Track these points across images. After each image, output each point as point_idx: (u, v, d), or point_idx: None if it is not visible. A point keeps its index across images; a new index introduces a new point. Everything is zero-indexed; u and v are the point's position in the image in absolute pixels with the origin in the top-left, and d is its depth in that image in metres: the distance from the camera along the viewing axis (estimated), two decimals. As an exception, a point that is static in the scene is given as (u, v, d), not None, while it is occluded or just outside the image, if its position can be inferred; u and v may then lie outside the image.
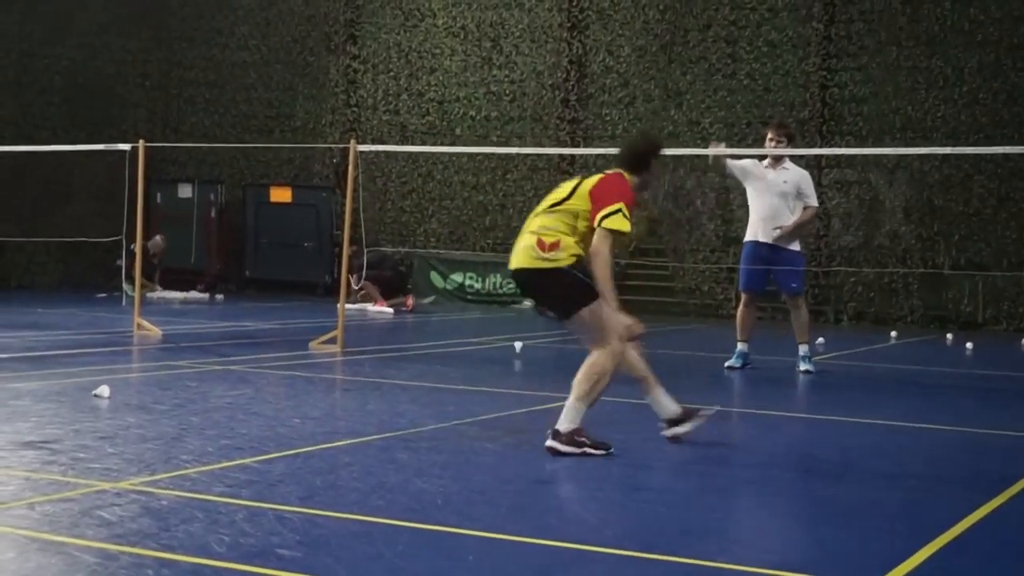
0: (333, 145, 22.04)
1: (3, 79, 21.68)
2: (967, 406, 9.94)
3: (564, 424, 6.77)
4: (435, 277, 21.56)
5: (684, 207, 20.27)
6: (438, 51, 22.36)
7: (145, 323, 13.31)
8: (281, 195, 22.52)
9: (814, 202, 11.55)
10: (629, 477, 6.28)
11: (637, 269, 20.72)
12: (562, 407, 6.85)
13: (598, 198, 6.88)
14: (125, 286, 17.20)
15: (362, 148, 13.72)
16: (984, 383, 11.81)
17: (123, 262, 16.51)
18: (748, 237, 11.62)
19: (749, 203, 11.58)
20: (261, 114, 23.82)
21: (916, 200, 18.83)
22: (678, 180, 20.26)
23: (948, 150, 16.41)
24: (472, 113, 22.02)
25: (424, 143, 21.86)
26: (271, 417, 7.76)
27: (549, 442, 6.75)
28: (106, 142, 16.17)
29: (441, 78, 22.34)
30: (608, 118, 20.98)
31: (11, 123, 21.54)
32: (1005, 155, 17.21)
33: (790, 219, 11.36)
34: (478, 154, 21.32)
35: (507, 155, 21.15)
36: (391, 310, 18.52)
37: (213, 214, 22.75)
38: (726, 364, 11.62)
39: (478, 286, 21.25)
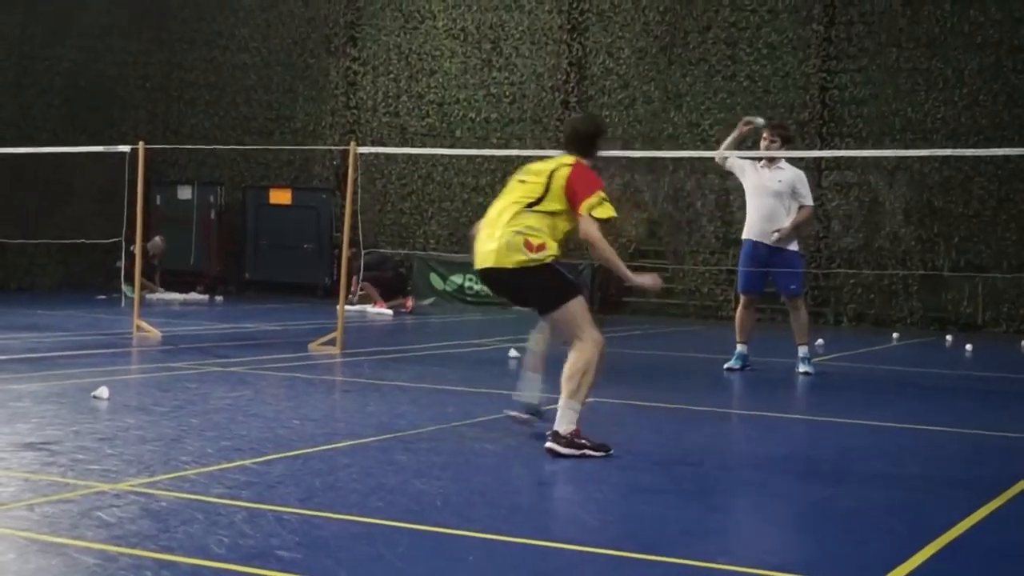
0: (333, 147, 22.05)
1: (3, 81, 21.68)
2: (967, 407, 9.94)
3: (563, 426, 6.76)
4: (435, 279, 21.56)
5: (684, 209, 20.28)
6: (438, 53, 22.36)
7: (145, 325, 13.30)
8: (281, 197, 22.52)
9: (809, 201, 11.53)
10: (629, 478, 6.28)
11: (637, 270, 20.70)
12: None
13: (575, 191, 6.85)
14: (125, 287, 17.21)
15: (362, 150, 13.74)
16: (984, 385, 11.81)
17: (123, 263, 16.52)
18: (745, 235, 11.61)
19: (748, 204, 11.58)
20: (261, 116, 23.83)
21: (916, 202, 18.83)
22: (678, 182, 20.27)
23: (948, 152, 16.41)
24: (472, 115, 22.02)
25: (424, 145, 21.86)
26: (271, 418, 7.76)
27: (549, 444, 6.75)
28: (106, 144, 16.18)
29: (441, 80, 22.35)
30: (608, 120, 20.97)
31: (11, 125, 21.55)
32: (1005, 157, 17.22)
33: (786, 219, 11.35)
34: (478, 156, 21.33)
35: (507, 157, 21.12)
36: (391, 312, 18.52)
37: (213, 216, 22.75)
38: (725, 366, 11.62)
39: (478, 288, 21.23)
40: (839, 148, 18.83)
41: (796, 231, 11.56)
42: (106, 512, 5.01)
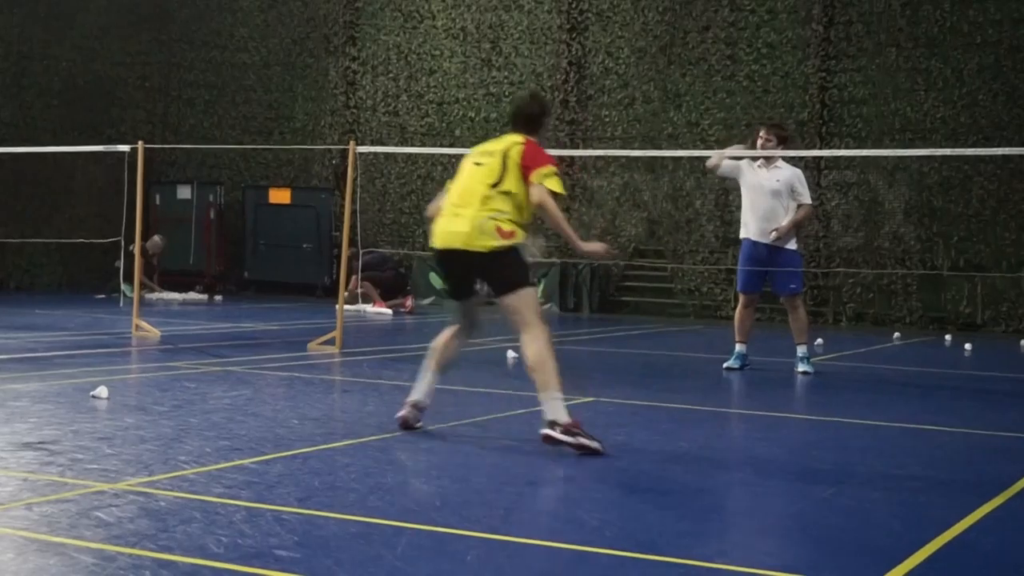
0: (332, 146, 22.06)
1: (2, 81, 21.67)
2: (966, 407, 9.94)
3: (560, 416, 6.83)
4: (434, 278, 21.51)
5: (683, 208, 20.27)
6: (437, 53, 22.37)
7: (144, 324, 13.31)
8: (280, 196, 22.52)
9: (807, 200, 11.54)
10: (628, 478, 6.27)
11: (636, 270, 20.73)
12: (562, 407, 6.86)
13: (527, 165, 7.06)
14: (124, 287, 17.21)
15: (361, 149, 13.73)
16: (983, 384, 11.80)
17: (122, 263, 16.52)
18: (743, 235, 11.61)
19: (744, 205, 11.57)
20: (260, 116, 23.83)
21: (915, 201, 18.83)
22: (677, 181, 20.27)
23: (947, 151, 16.41)
24: (471, 114, 22.02)
25: (423, 144, 21.86)
26: (269, 418, 7.76)
27: (546, 431, 6.80)
28: (105, 144, 16.19)
29: (440, 80, 22.35)
30: (607, 119, 20.99)
31: (10, 125, 21.55)
32: (1004, 156, 17.23)
33: (785, 218, 11.36)
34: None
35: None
36: (390, 311, 18.52)
37: (212, 215, 22.75)
38: (725, 365, 11.62)
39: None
40: (838, 148, 18.83)
41: (795, 230, 11.56)
42: (105, 512, 5.00)
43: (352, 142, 13.59)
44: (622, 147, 20.26)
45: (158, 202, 22.63)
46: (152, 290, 19.85)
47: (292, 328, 15.29)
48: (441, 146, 21.54)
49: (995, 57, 18.39)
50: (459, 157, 22.42)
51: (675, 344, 15.18)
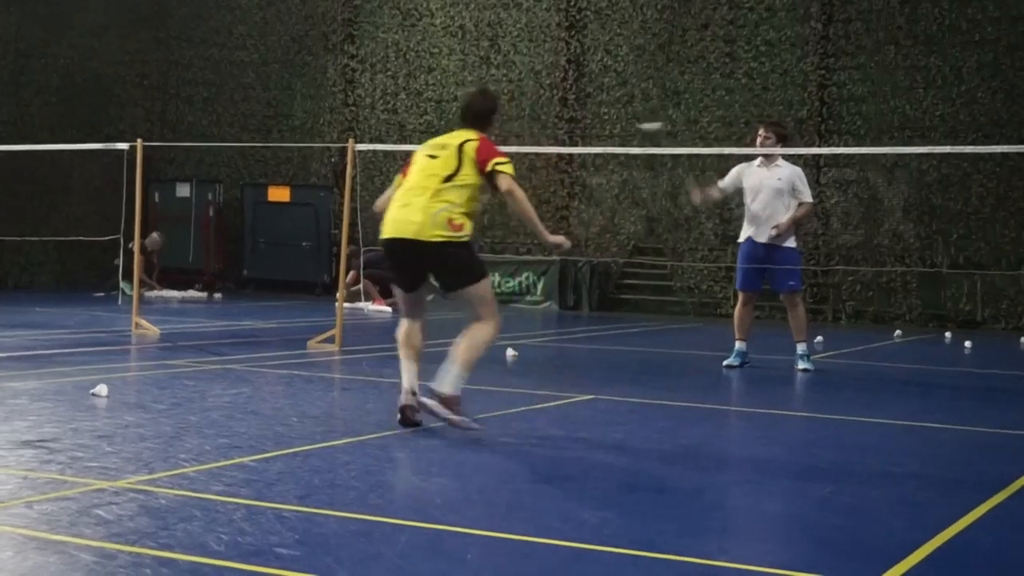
0: (331, 144, 22.06)
1: (1, 79, 21.66)
2: (966, 405, 9.94)
3: (448, 388, 6.95)
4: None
5: (682, 206, 20.27)
6: (436, 50, 22.36)
7: (143, 322, 13.31)
8: (279, 194, 22.52)
9: (808, 198, 11.54)
10: (627, 476, 6.27)
11: (636, 268, 20.74)
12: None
13: (484, 158, 7.23)
14: (123, 285, 17.21)
15: (360, 147, 13.72)
16: (983, 382, 11.81)
17: (121, 261, 16.51)
18: (743, 236, 11.60)
19: (746, 205, 11.54)
20: (259, 113, 23.83)
21: (915, 199, 18.84)
22: (677, 179, 20.26)
23: (946, 149, 16.41)
24: (470, 112, 21.98)
25: (422, 142, 21.77)
26: (269, 416, 7.76)
27: (427, 400, 6.93)
28: (104, 142, 16.19)
29: (439, 77, 22.34)
30: (606, 117, 20.99)
31: (9, 123, 21.54)
32: (1003, 154, 17.24)
33: (785, 216, 11.35)
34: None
35: (505, 154, 21.12)
36: (389, 309, 18.51)
37: (211, 213, 22.76)
38: (724, 363, 11.62)
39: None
40: (838, 145, 18.84)
41: (794, 227, 11.56)
42: (105, 509, 5.00)
43: (351, 140, 13.59)
44: (621, 145, 20.26)
45: (157, 200, 22.63)
46: (151, 288, 19.85)
47: (291, 326, 15.29)
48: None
49: (994, 55, 18.39)
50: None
51: (674, 342, 15.18)
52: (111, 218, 16.29)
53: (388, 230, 7.24)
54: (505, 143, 21.06)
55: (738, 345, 11.62)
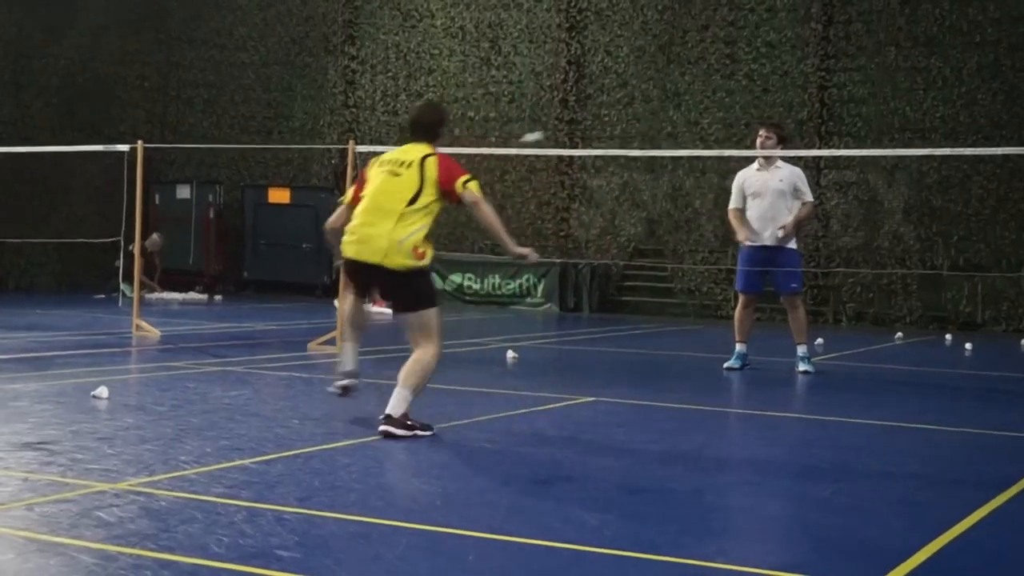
0: (332, 146, 22.06)
1: (1, 80, 21.67)
2: (966, 406, 9.94)
3: (396, 410, 7.04)
4: (434, 278, 21.54)
5: (683, 208, 20.28)
6: (436, 52, 22.37)
7: (144, 324, 13.31)
8: (280, 196, 22.53)
9: (810, 197, 11.54)
10: (628, 478, 6.27)
11: (636, 270, 20.74)
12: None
13: (449, 177, 7.31)
14: (124, 287, 17.21)
15: (361, 149, 13.72)
16: (983, 383, 11.81)
17: (121, 263, 16.51)
18: (745, 241, 11.58)
19: (748, 210, 11.49)
20: (259, 115, 23.83)
21: (915, 201, 18.84)
22: (677, 181, 20.27)
23: (947, 151, 16.42)
24: (471, 114, 22.02)
25: (423, 144, 21.81)
26: (270, 418, 7.76)
27: (383, 427, 7.00)
28: (104, 143, 16.17)
29: (439, 79, 22.35)
30: (607, 119, 20.99)
31: (9, 124, 21.54)
32: (1004, 156, 17.24)
33: (788, 217, 11.35)
34: (476, 155, 21.32)
35: (505, 156, 21.14)
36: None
37: (211, 215, 22.75)
38: (725, 365, 11.61)
39: (476, 287, 21.24)
40: (838, 147, 18.84)
41: (798, 228, 11.56)
42: (105, 512, 5.00)
43: (351, 141, 13.60)
44: (621, 146, 20.26)
45: (157, 202, 22.63)
46: (152, 290, 19.85)
47: (292, 328, 15.28)
48: (440, 145, 21.51)
49: (994, 56, 18.39)
50: (458, 156, 22.49)
51: (675, 344, 15.18)
52: (111, 220, 16.29)
53: (352, 251, 7.31)
54: (506, 144, 21.13)
55: (738, 347, 11.62)
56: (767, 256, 11.41)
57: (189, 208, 22.72)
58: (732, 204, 11.63)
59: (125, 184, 14.33)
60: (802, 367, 11.37)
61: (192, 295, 20.73)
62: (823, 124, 19.37)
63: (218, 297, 21.07)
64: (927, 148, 17.28)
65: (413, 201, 7.19)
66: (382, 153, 7.72)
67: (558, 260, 20.69)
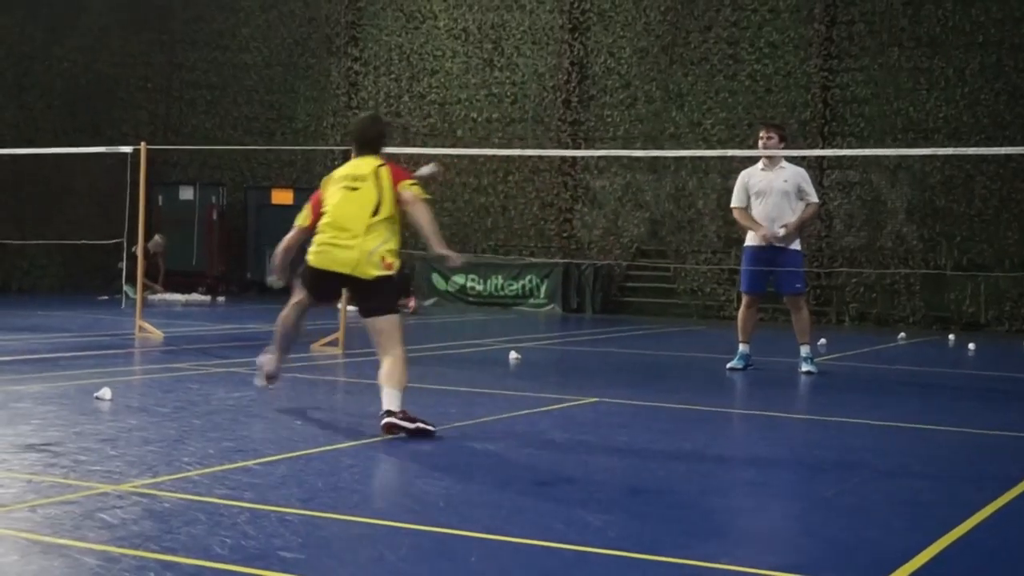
0: (335, 147, 22.07)
1: (4, 81, 21.69)
2: (969, 407, 9.93)
3: (394, 406, 7.14)
4: (437, 279, 21.56)
5: (686, 208, 20.28)
6: (439, 53, 22.37)
7: (147, 325, 13.32)
8: (283, 197, 22.53)
9: (814, 198, 11.54)
10: (630, 478, 6.27)
11: (639, 271, 20.73)
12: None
13: (397, 181, 7.59)
14: (127, 288, 17.22)
15: (363, 150, 13.72)
16: (986, 384, 11.80)
17: (124, 264, 16.52)
18: (749, 242, 11.58)
19: (752, 209, 11.49)
20: (262, 116, 23.85)
21: (918, 201, 18.83)
22: (680, 181, 20.27)
23: (950, 151, 16.41)
24: (473, 115, 22.03)
25: (426, 145, 21.86)
26: (273, 419, 7.76)
27: (386, 420, 7.09)
28: (107, 145, 16.20)
29: (442, 80, 22.36)
30: (610, 119, 20.99)
31: (12, 126, 21.57)
32: (1007, 156, 17.24)
33: (791, 218, 11.34)
34: (479, 156, 21.35)
35: (508, 157, 21.17)
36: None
37: (215, 216, 22.76)
38: (728, 365, 11.61)
39: (480, 288, 21.25)
40: (841, 147, 18.83)
41: (801, 228, 11.56)
42: (108, 513, 5.00)
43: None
44: (624, 147, 20.27)
45: (160, 203, 22.65)
46: (155, 291, 19.86)
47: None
48: (443, 147, 21.55)
49: (997, 56, 18.39)
50: (461, 157, 22.54)
51: (678, 344, 15.17)
52: (114, 221, 16.31)
53: (320, 261, 7.51)
54: (509, 145, 21.17)
55: (741, 347, 11.62)
56: (771, 256, 11.40)
57: (192, 209, 22.73)
58: (735, 203, 11.63)
59: (128, 185, 14.36)
60: (805, 367, 11.36)
61: (195, 296, 20.74)
62: (826, 124, 19.37)
63: (221, 298, 21.08)
64: (930, 148, 17.28)
65: (376, 212, 7.40)
66: (333, 172, 7.91)
67: (561, 261, 20.70)
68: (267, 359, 8.08)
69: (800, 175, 11.52)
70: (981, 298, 18.40)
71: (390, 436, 7.21)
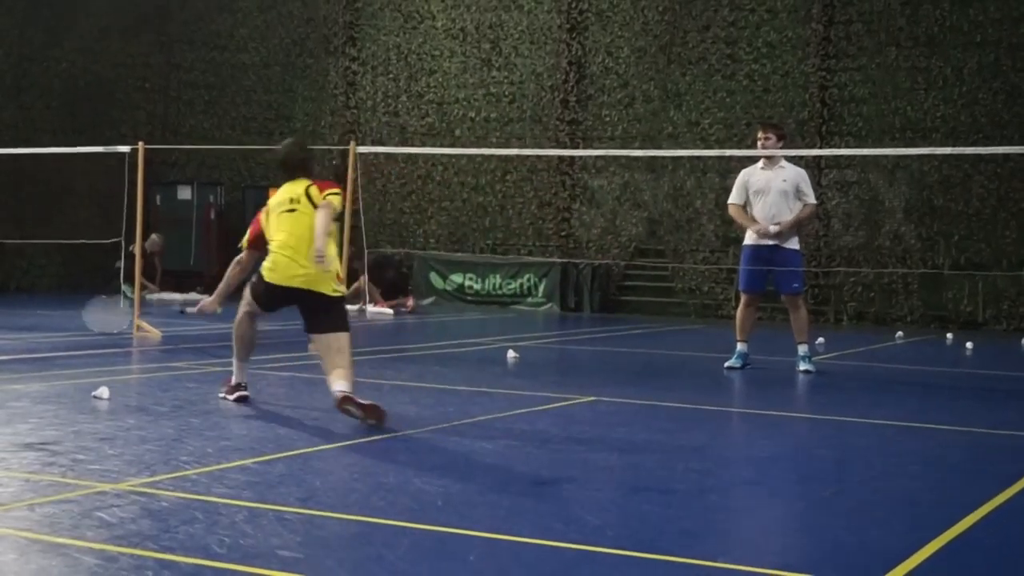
0: (333, 147, 22.05)
1: (3, 82, 21.69)
2: (967, 406, 9.94)
3: (350, 389, 7.53)
4: (435, 278, 21.56)
5: (684, 207, 20.28)
6: (437, 53, 22.37)
7: (145, 325, 13.32)
8: (281, 197, 22.49)
9: (812, 199, 11.55)
10: (629, 477, 6.27)
11: (637, 270, 20.74)
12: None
13: (322, 191, 8.00)
14: (124, 288, 17.21)
15: (362, 150, 13.76)
16: (984, 383, 11.80)
17: (122, 264, 16.51)
18: (747, 241, 11.59)
19: (750, 209, 11.49)
20: (260, 116, 23.84)
21: (916, 200, 18.83)
22: (678, 181, 20.27)
23: (948, 150, 16.42)
24: (471, 114, 22.03)
25: (424, 144, 21.87)
26: (271, 418, 7.77)
27: (341, 396, 7.46)
28: (105, 145, 16.18)
29: (440, 80, 22.35)
30: (607, 119, 20.99)
31: (11, 126, 21.56)
32: (1005, 155, 17.24)
33: (790, 217, 11.35)
34: (477, 155, 21.35)
35: (506, 156, 21.17)
36: (391, 311, 18.52)
37: (213, 216, 22.76)
38: (726, 364, 11.62)
39: (477, 287, 21.25)
40: (839, 147, 18.84)
41: (798, 227, 11.56)
42: (107, 512, 5.00)
43: (352, 142, 13.62)
44: (622, 147, 20.27)
45: (159, 203, 22.64)
46: (153, 291, 19.85)
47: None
48: (441, 146, 21.56)
49: (995, 56, 18.39)
50: (459, 157, 22.52)
51: (676, 343, 15.18)
52: (113, 221, 16.29)
53: (276, 278, 7.92)
54: (506, 145, 21.18)
55: (740, 346, 11.62)
56: (769, 255, 11.41)
57: (190, 209, 22.72)
58: (731, 200, 11.64)
59: (126, 185, 14.34)
60: (803, 366, 11.37)
61: (193, 296, 20.71)
62: (824, 124, 19.37)
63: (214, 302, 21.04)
64: (928, 148, 17.28)
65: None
66: (272, 197, 8.26)
67: (559, 260, 20.70)
68: (231, 378, 8.41)
69: (800, 175, 11.53)
70: (979, 297, 18.40)
71: (346, 413, 7.51)
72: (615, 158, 20.33)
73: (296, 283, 7.81)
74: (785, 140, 12.08)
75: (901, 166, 18.83)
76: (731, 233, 18.90)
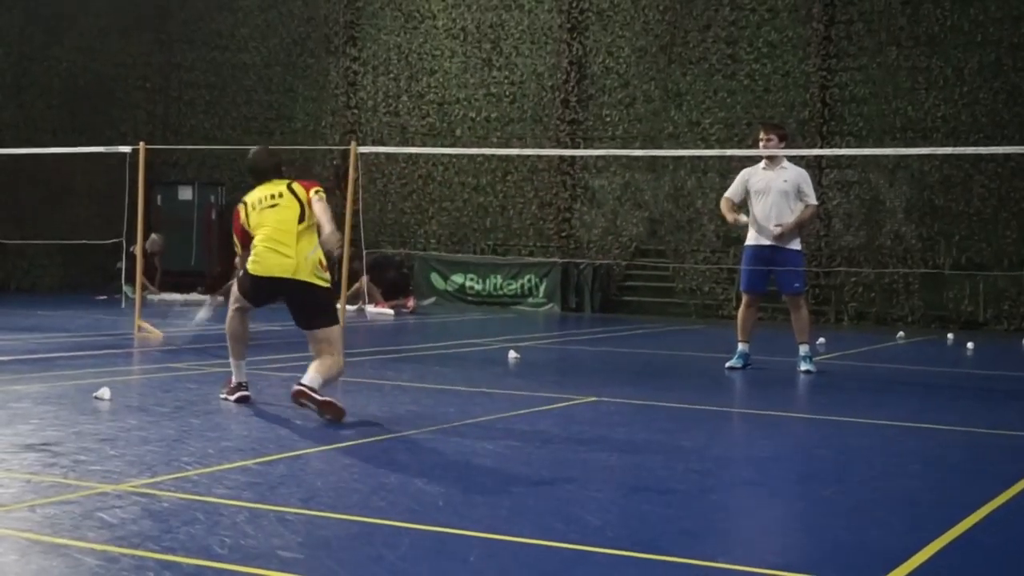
0: (333, 147, 22.08)
1: (3, 82, 21.69)
2: (968, 406, 9.94)
3: (314, 383, 7.59)
4: (435, 278, 21.56)
5: (684, 208, 20.28)
6: (438, 53, 22.37)
7: (146, 325, 13.32)
8: (281, 197, 22.49)
9: (814, 200, 11.54)
10: (629, 477, 6.28)
11: (638, 270, 20.74)
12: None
13: (307, 189, 8.11)
14: (126, 288, 17.21)
15: (362, 150, 13.76)
16: (985, 383, 11.80)
17: (123, 264, 16.52)
18: (749, 241, 11.58)
19: (751, 208, 11.49)
20: (261, 116, 23.84)
21: (916, 200, 18.83)
22: (678, 181, 20.27)
23: (948, 150, 16.41)
24: (472, 114, 22.03)
25: (424, 144, 21.87)
26: (272, 419, 7.77)
27: (299, 387, 7.54)
28: (106, 145, 16.19)
29: (441, 80, 22.36)
30: (608, 119, 20.99)
31: (11, 126, 21.57)
32: (1005, 155, 17.24)
33: (791, 218, 11.35)
34: (478, 155, 21.36)
35: (507, 156, 21.17)
36: (391, 311, 18.53)
37: (214, 216, 22.75)
38: (727, 364, 11.62)
39: (478, 287, 21.24)
40: (839, 146, 18.84)
41: (799, 228, 11.56)
42: (108, 513, 5.01)
43: (353, 142, 13.62)
44: (623, 147, 20.27)
45: (159, 203, 22.64)
46: (151, 292, 19.85)
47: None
48: (442, 146, 21.56)
49: (996, 55, 18.39)
50: (460, 157, 22.56)
51: (677, 343, 15.18)
52: (113, 221, 16.30)
53: (262, 271, 7.95)
54: (507, 145, 21.18)
55: (740, 347, 11.62)
56: (770, 256, 11.41)
57: (191, 209, 22.72)
58: (727, 195, 11.64)
59: (127, 185, 14.35)
60: (804, 366, 11.37)
61: (194, 296, 20.72)
62: (825, 124, 19.37)
63: (220, 298, 21.05)
64: (929, 147, 17.28)
65: (301, 220, 7.94)
66: (251, 197, 8.27)
67: (560, 260, 20.70)
68: (232, 378, 8.46)
69: (801, 176, 11.52)
70: (980, 297, 18.40)
71: (302, 406, 7.62)
72: (616, 158, 20.33)
73: (279, 272, 7.89)
74: (787, 140, 12.08)
75: (902, 166, 18.82)
76: (732, 233, 18.89)
